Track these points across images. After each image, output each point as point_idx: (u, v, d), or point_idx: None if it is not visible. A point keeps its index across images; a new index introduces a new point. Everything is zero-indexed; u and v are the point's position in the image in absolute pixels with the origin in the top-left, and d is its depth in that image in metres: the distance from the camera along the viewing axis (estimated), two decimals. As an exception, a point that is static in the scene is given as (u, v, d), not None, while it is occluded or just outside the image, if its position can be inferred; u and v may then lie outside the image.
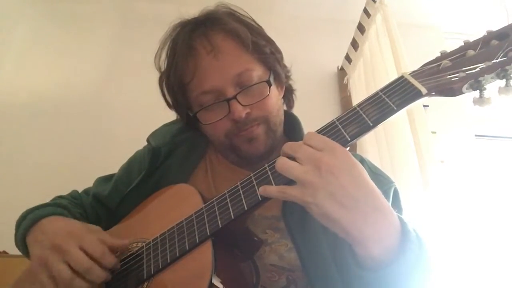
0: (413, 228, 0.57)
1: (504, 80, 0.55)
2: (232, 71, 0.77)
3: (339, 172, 0.53)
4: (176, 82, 0.82)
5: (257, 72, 0.80)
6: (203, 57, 0.78)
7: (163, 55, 0.86)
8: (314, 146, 0.56)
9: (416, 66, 0.63)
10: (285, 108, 0.92)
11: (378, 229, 0.53)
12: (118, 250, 0.73)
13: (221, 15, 0.83)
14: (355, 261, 0.55)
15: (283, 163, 0.56)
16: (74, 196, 0.94)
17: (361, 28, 2.05)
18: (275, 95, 0.83)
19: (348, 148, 0.60)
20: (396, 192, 0.80)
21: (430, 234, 1.39)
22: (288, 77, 0.91)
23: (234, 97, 0.76)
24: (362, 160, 0.85)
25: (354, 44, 2.15)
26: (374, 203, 0.54)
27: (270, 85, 0.80)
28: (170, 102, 0.88)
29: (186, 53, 0.80)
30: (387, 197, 0.77)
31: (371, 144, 1.82)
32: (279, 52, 0.88)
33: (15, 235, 0.79)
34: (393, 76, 1.61)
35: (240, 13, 0.86)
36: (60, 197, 0.92)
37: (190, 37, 0.81)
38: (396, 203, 0.79)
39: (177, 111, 0.89)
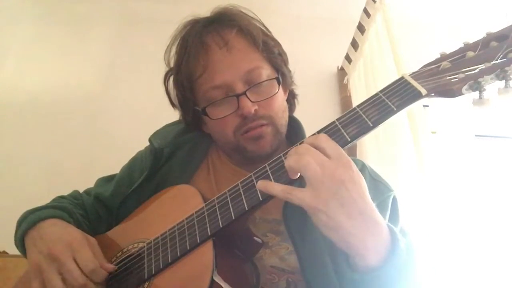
0: (403, 237, 0.59)
1: (504, 81, 0.56)
2: (243, 68, 0.78)
3: (351, 185, 0.54)
4: (185, 77, 0.82)
5: (266, 71, 0.80)
6: (215, 52, 0.79)
7: (173, 51, 0.86)
8: (324, 150, 0.56)
9: (416, 66, 0.63)
10: None
11: (377, 240, 0.55)
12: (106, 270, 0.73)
13: (233, 14, 0.84)
14: (348, 264, 0.58)
15: (307, 162, 0.54)
16: (75, 197, 0.94)
17: (361, 28, 2.05)
18: (281, 96, 0.84)
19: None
20: (395, 201, 0.81)
21: (428, 236, 1.39)
22: (292, 82, 0.92)
23: (244, 93, 0.76)
24: (364, 166, 0.85)
25: (354, 44, 2.15)
26: (375, 216, 0.56)
27: (279, 83, 0.81)
28: (176, 99, 0.89)
29: (198, 47, 0.80)
30: (386, 205, 0.78)
31: (371, 145, 1.82)
32: (286, 55, 0.89)
33: (15, 235, 0.80)
34: (393, 76, 1.62)
35: (249, 15, 0.86)
36: (61, 197, 0.92)
37: (202, 33, 0.81)
38: (395, 212, 0.80)
39: (182, 108, 0.89)
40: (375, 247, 0.55)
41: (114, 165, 1.00)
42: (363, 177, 0.57)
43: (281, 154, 0.63)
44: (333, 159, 0.55)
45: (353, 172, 0.55)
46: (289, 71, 0.89)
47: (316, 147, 0.57)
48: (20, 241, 0.78)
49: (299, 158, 0.55)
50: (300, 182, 0.58)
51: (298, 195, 0.55)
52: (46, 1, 2.37)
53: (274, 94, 0.80)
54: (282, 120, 0.82)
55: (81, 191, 0.97)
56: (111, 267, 0.72)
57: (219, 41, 0.79)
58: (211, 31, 0.81)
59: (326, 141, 0.57)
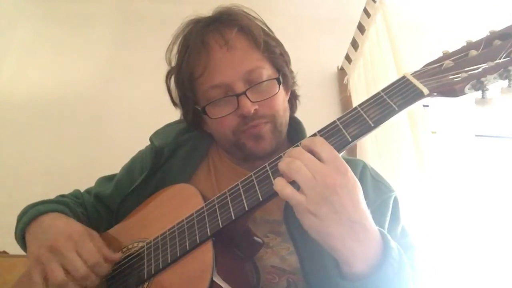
0: (397, 246, 0.59)
1: (507, 80, 0.55)
2: (243, 67, 0.77)
3: (343, 192, 0.53)
4: (186, 76, 0.82)
5: (267, 71, 0.80)
6: (215, 51, 0.79)
7: (174, 50, 0.86)
8: (319, 154, 0.55)
9: (416, 66, 0.63)
10: None
11: (366, 248, 0.55)
12: (111, 262, 0.72)
13: (235, 13, 0.84)
14: (337, 271, 0.57)
15: (297, 167, 0.55)
16: (75, 196, 0.94)
17: (361, 28, 2.05)
18: (282, 96, 0.83)
19: (343, 152, 0.60)
20: (396, 201, 0.80)
21: (428, 235, 1.39)
22: (294, 82, 0.91)
23: (244, 93, 0.76)
24: (365, 166, 0.85)
25: (354, 44, 2.15)
26: (366, 224, 0.55)
27: (279, 83, 0.80)
28: (177, 98, 0.88)
29: (199, 46, 0.80)
30: (387, 205, 0.78)
31: (371, 145, 1.82)
32: (288, 55, 0.88)
33: (15, 229, 0.79)
34: (393, 76, 1.61)
35: (252, 15, 0.86)
36: (62, 196, 0.92)
37: (203, 32, 0.81)
38: (395, 213, 0.79)
39: (183, 107, 0.89)
40: (363, 255, 0.54)
41: (114, 164, 1.00)
42: (358, 183, 0.56)
43: (282, 154, 0.63)
44: (327, 164, 0.54)
45: (346, 177, 0.54)
46: (291, 72, 0.89)
47: (311, 151, 0.56)
48: (21, 235, 0.77)
49: (290, 162, 0.55)
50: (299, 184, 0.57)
51: (296, 197, 0.55)
52: (46, 0, 2.37)
53: (275, 94, 0.79)
54: (282, 119, 0.82)
55: (81, 190, 0.97)
56: (116, 257, 0.72)
57: (220, 40, 0.79)
58: (212, 30, 0.80)
59: (321, 145, 0.56)
